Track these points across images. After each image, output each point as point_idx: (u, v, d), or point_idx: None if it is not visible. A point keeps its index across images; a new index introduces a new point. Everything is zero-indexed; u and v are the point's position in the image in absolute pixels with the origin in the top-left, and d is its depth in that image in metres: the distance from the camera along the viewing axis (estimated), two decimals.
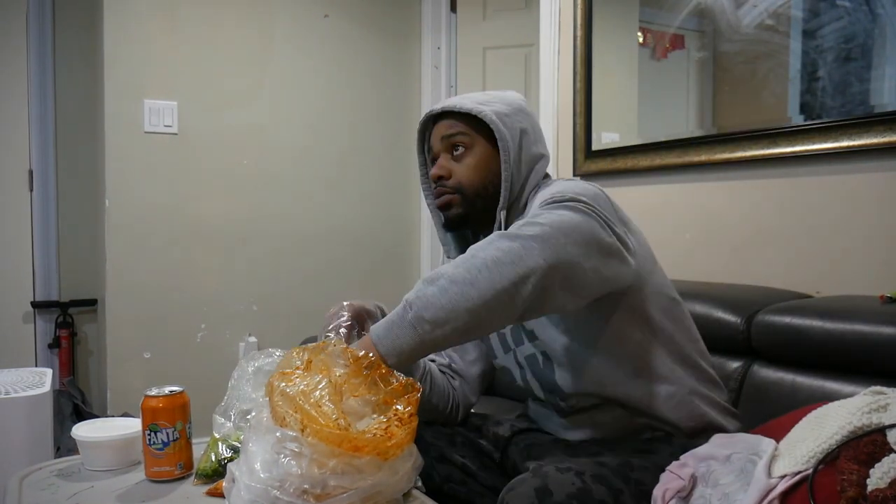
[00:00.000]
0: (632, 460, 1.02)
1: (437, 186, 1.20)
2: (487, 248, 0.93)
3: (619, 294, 1.07)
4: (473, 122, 1.16)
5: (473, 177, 1.17)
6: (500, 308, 0.90)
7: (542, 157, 1.21)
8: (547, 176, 1.23)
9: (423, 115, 1.27)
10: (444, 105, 1.19)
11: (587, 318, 1.08)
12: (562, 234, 0.94)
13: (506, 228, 1.09)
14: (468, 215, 1.18)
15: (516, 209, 1.17)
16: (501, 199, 1.15)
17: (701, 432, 1.11)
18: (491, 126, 1.14)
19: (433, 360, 1.27)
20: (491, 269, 0.90)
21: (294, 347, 0.95)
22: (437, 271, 0.93)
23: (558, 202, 1.00)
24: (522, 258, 0.90)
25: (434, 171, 1.20)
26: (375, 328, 0.94)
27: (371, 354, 0.91)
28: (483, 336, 1.23)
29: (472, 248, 0.95)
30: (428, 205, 1.28)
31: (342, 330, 1.06)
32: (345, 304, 1.10)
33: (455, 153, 1.18)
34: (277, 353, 1.17)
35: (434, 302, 0.90)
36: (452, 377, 1.28)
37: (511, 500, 0.90)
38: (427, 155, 1.27)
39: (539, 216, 0.97)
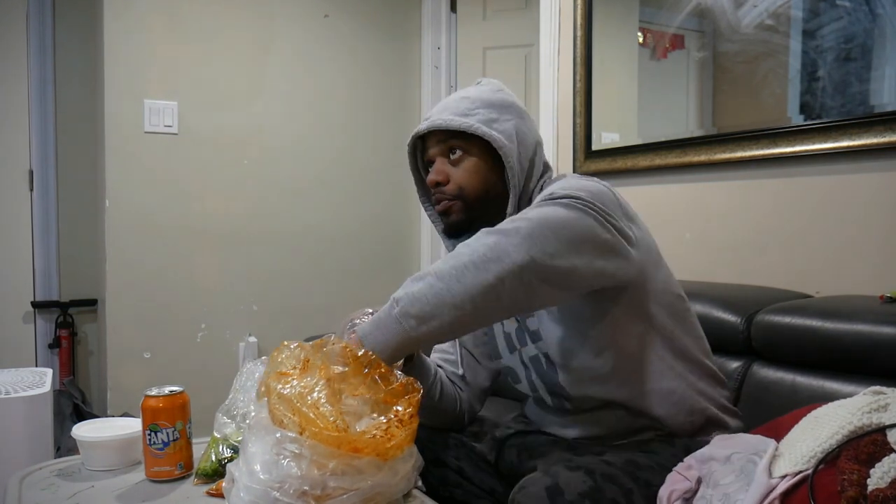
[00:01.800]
0: (636, 459, 1.01)
1: (434, 193, 1.17)
2: (473, 245, 0.94)
3: (620, 289, 1.06)
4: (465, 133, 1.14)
5: (474, 181, 1.14)
6: (485, 303, 0.92)
7: (537, 146, 1.18)
8: (547, 167, 1.20)
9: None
10: (431, 124, 1.15)
11: (587, 314, 1.08)
12: (547, 229, 0.94)
13: None
14: (470, 221, 1.16)
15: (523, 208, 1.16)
16: (510, 205, 1.12)
17: (700, 429, 1.11)
18: (487, 139, 1.11)
19: (440, 366, 1.27)
20: (477, 264, 0.91)
21: (284, 342, 0.95)
22: (425, 269, 0.95)
23: (553, 199, 1.00)
24: (507, 253, 0.92)
25: (431, 176, 1.16)
26: (363, 325, 0.96)
27: (371, 354, 0.91)
28: (471, 332, 1.22)
29: (460, 245, 0.96)
30: (429, 216, 1.26)
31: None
32: (368, 310, 1.08)
33: (452, 156, 1.15)
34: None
35: (420, 298, 0.91)
36: (461, 388, 1.28)
37: (522, 499, 0.90)
38: (421, 166, 1.24)
39: (528, 212, 0.98)
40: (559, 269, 0.95)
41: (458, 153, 1.14)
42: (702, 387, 1.13)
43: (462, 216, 1.16)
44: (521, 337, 1.18)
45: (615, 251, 1.02)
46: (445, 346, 1.31)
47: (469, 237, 1.19)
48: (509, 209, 1.13)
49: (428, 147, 1.18)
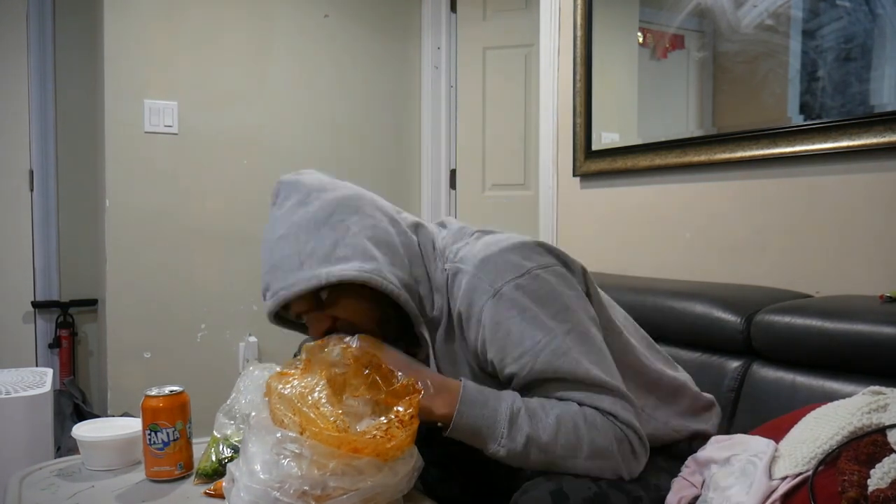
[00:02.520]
0: (644, 468, 0.99)
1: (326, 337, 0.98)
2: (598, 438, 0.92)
3: None
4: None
5: (363, 319, 0.98)
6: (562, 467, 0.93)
7: (394, 228, 1.01)
8: (421, 237, 1.04)
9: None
10: (277, 301, 0.94)
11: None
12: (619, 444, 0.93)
13: (433, 341, 1.02)
14: (394, 340, 1.02)
15: (426, 317, 1.01)
16: (415, 324, 1.00)
17: (690, 440, 1.10)
18: (359, 283, 0.93)
19: None
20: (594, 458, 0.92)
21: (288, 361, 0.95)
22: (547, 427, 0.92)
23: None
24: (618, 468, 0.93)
25: (313, 333, 1.00)
26: (473, 388, 0.94)
27: (371, 355, 0.91)
28: None
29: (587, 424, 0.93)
30: None
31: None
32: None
33: (320, 301, 0.96)
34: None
35: (544, 440, 0.91)
36: None
37: (525, 503, 0.89)
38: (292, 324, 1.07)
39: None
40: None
41: (325, 293, 0.95)
42: (669, 415, 1.08)
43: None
44: None
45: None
46: None
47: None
48: (415, 326, 1.00)
49: (289, 310, 1.00)
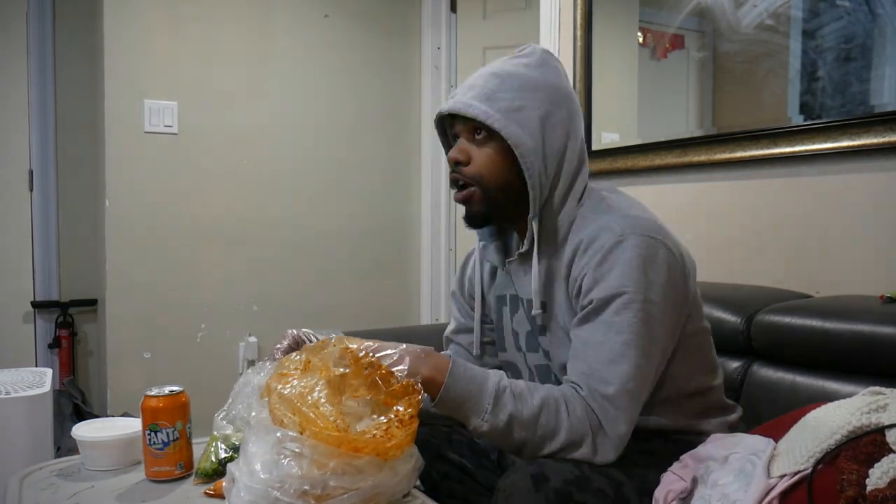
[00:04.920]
0: (631, 456, 1.01)
1: (452, 172, 1.10)
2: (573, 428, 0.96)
3: None
4: None
5: (495, 169, 1.07)
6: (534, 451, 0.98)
7: (571, 139, 1.08)
8: (582, 164, 1.10)
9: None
10: (451, 106, 1.07)
11: None
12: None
13: (539, 238, 1.09)
14: (491, 213, 1.10)
15: (549, 212, 1.09)
16: (531, 208, 1.07)
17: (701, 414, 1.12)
18: (503, 135, 1.03)
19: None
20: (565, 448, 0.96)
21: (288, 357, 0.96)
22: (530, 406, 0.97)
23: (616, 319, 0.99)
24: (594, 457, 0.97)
25: (451, 153, 1.09)
26: (462, 364, 0.99)
27: (371, 355, 0.92)
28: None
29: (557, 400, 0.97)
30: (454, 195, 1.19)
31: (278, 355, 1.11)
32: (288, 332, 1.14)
33: (477, 136, 1.07)
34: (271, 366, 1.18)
35: (526, 418, 0.95)
36: None
37: (507, 487, 0.90)
38: (452, 139, 1.15)
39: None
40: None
41: (483, 134, 1.06)
42: (699, 416, 1.12)
43: (482, 207, 1.09)
44: (531, 344, 1.17)
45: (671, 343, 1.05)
46: (463, 327, 1.30)
47: (489, 229, 1.16)
48: (531, 213, 1.07)
49: (454, 121, 1.11)
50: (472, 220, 1.12)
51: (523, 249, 1.11)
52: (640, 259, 0.99)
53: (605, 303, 0.99)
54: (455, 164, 1.09)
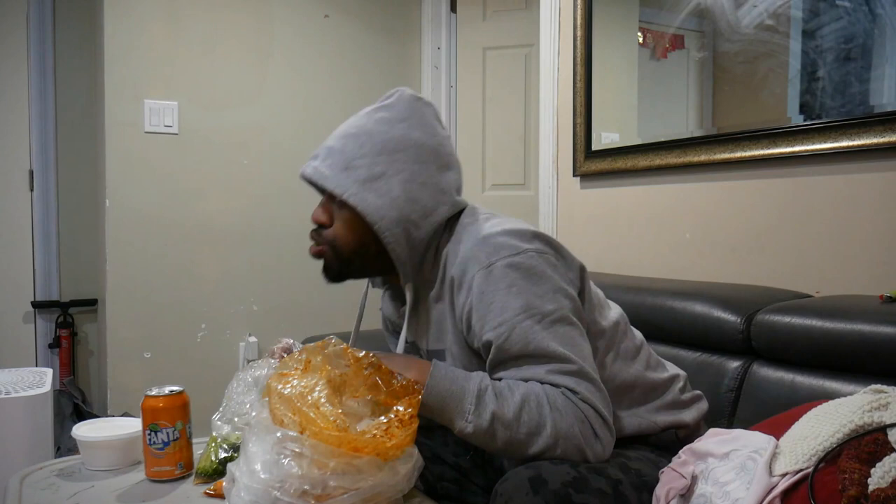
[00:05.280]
0: (627, 451, 1.02)
1: (313, 231, 1.10)
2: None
3: None
4: None
5: (351, 237, 1.06)
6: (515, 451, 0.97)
7: (442, 197, 1.06)
8: (455, 208, 1.09)
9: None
10: (309, 175, 1.06)
11: None
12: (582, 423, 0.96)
13: (419, 291, 1.08)
14: (347, 272, 1.10)
15: (426, 264, 1.08)
16: (401, 275, 1.06)
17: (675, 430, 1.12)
18: (358, 211, 1.01)
19: None
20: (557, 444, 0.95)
21: (291, 355, 0.96)
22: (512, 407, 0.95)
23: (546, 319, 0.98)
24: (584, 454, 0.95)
25: (314, 214, 1.09)
26: (443, 366, 0.98)
27: (372, 355, 0.91)
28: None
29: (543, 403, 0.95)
30: None
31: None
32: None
33: (336, 200, 1.05)
34: (272, 362, 1.18)
35: (509, 417, 0.94)
36: None
37: (505, 490, 0.90)
38: None
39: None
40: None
41: (339, 200, 1.04)
42: (651, 411, 1.12)
43: (335, 266, 1.09)
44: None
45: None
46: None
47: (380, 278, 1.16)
48: (402, 279, 1.07)
49: None
50: (327, 276, 1.11)
51: (406, 309, 1.10)
52: (518, 281, 0.98)
53: (508, 348, 0.98)
54: (318, 226, 1.09)
